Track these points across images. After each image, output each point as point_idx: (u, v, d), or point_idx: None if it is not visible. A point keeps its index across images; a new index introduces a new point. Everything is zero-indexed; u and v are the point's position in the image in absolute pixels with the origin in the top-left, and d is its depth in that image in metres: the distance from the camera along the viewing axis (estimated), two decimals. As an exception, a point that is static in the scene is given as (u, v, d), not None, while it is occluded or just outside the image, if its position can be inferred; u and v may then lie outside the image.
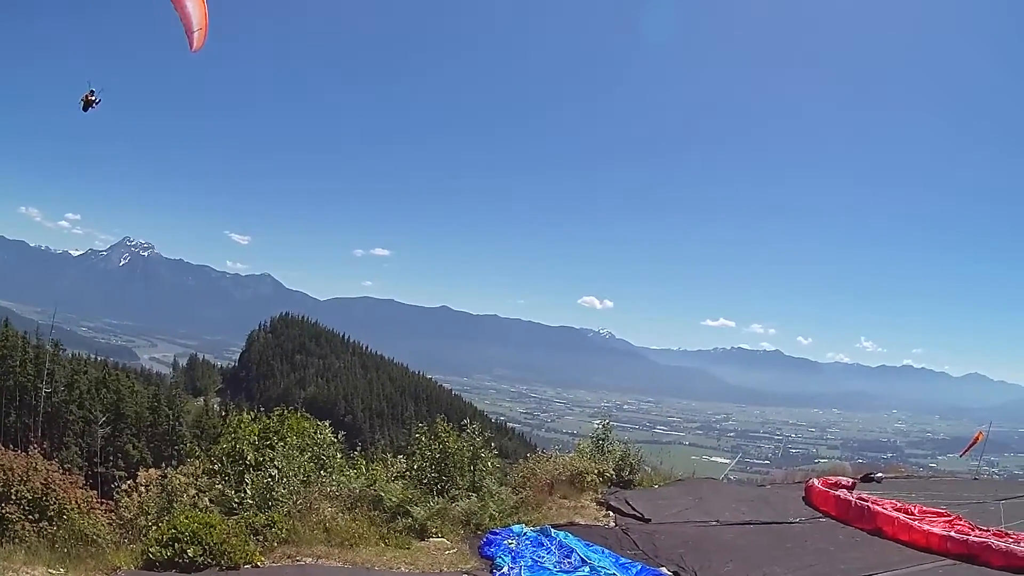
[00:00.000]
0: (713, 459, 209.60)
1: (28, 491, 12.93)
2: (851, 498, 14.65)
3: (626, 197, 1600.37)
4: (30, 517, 12.45)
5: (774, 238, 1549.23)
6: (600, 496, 15.96)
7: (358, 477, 15.10)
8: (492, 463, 15.38)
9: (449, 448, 14.87)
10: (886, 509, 13.76)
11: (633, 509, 14.88)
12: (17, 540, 11.99)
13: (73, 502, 13.32)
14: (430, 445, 15.14)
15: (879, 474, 19.48)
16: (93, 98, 17.60)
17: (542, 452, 18.11)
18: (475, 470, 14.91)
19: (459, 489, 14.50)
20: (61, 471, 14.43)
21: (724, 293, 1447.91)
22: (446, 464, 14.77)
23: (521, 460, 17.75)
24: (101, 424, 74.20)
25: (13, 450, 14.38)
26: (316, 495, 13.33)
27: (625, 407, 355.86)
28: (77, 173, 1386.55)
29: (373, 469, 15.83)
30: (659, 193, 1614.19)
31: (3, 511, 12.41)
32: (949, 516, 13.75)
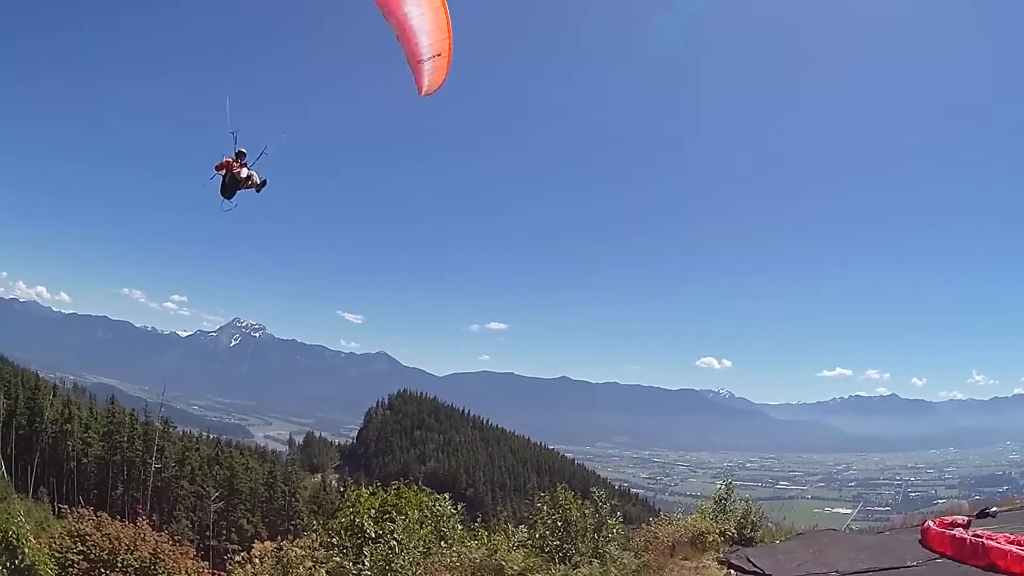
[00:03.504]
0: (835, 510, 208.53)
1: (135, 559, 13.36)
2: (965, 536, 14.13)
3: (737, 255, 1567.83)
4: (137, 586, 12.76)
5: (883, 282, 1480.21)
6: (722, 555, 16.07)
7: (479, 547, 14.95)
8: (616, 529, 15.19)
9: (571, 516, 14.71)
10: (999, 543, 13.16)
11: (754, 566, 14.93)
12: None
13: (183, 572, 13.65)
14: (551, 513, 15.05)
15: (993, 508, 18.49)
16: (245, 175, 11.11)
17: (664, 515, 18.19)
18: (598, 537, 14.67)
19: (581, 556, 14.25)
20: (171, 542, 14.90)
21: (838, 342, 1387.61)
22: (568, 532, 14.56)
23: (643, 524, 17.73)
24: (214, 499, 74.97)
25: (121, 521, 14.97)
26: (436, 565, 13.19)
27: (747, 465, 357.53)
28: (182, 256, 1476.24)
29: (494, 539, 15.70)
30: (768, 248, 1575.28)
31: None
32: (1061, 543, 13.17)
